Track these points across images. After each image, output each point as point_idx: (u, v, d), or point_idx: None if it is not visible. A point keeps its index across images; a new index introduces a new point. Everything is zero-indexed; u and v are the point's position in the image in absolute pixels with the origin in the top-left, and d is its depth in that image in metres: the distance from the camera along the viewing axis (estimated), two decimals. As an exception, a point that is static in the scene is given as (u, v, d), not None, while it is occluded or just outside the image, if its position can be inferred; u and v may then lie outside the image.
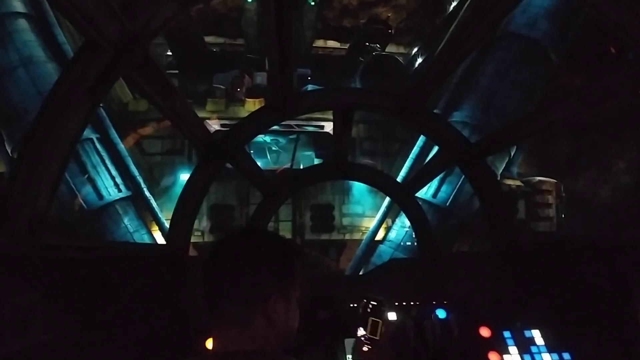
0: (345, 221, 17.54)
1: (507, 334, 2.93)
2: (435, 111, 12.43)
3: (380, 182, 5.43)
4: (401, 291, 3.71)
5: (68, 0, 1.68)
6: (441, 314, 3.14)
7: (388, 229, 14.45)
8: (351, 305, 3.27)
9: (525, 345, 2.88)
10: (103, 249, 2.45)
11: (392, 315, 3.15)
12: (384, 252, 13.71)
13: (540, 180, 14.80)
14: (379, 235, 14.53)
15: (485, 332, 2.92)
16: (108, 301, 2.52)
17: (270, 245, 1.35)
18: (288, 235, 16.33)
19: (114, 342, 2.54)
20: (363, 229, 16.80)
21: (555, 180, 14.93)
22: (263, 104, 16.71)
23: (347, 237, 17.41)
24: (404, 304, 3.34)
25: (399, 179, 11.97)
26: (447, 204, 12.50)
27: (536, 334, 2.93)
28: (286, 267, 1.33)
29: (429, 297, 3.44)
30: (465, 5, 15.61)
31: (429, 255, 5.08)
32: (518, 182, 14.40)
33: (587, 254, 3.12)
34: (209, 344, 1.31)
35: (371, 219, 15.77)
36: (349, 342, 2.77)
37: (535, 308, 3.37)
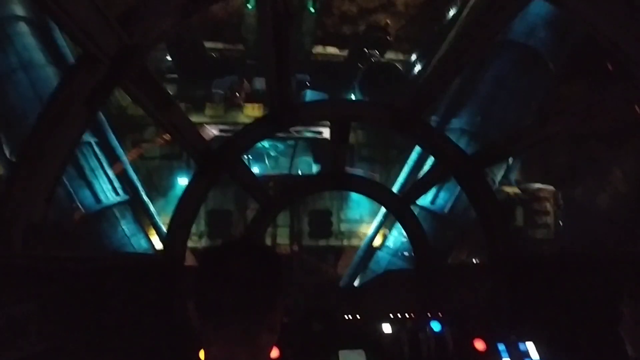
0: (344, 227, 17.46)
1: (501, 346, 2.93)
2: (433, 118, 12.48)
3: (376, 193, 5.43)
4: (396, 303, 3.70)
5: (66, 14, 1.69)
6: (436, 326, 3.14)
7: (386, 236, 14.38)
8: (345, 317, 3.27)
9: (519, 358, 2.88)
10: (98, 260, 2.45)
11: (386, 327, 3.15)
12: (382, 258, 13.62)
13: (538, 188, 14.79)
14: (377, 242, 14.46)
15: (479, 345, 2.92)
16: (103, 311, 2.51)
17: (269, 257, 1.35)
18: (286, 241, 16.30)
19: (109, 353, 2.53)
20: (361, 235, 16.71)
21: (553, 188, 14.93)
22: (262, 109, 16.80)
23: (345, 243, 17.31)
24: (399, 316, 3.33)
25: (396, 187, 11.97)
26: (446, 211, 12.44)
27: (530, 347, 2.94)
28: (283, 277, 1.34)
29: (423, 310, 3.43)
30: (464, 13, 15.67)
31: (425, 266, 5.07)
32: (516, 190, 14.38)
33: (582, 268, 3.12)
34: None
35: (369, 225, 15.70)
36: (343, 354, 2.77)
37: (529, 321, 3.37)
